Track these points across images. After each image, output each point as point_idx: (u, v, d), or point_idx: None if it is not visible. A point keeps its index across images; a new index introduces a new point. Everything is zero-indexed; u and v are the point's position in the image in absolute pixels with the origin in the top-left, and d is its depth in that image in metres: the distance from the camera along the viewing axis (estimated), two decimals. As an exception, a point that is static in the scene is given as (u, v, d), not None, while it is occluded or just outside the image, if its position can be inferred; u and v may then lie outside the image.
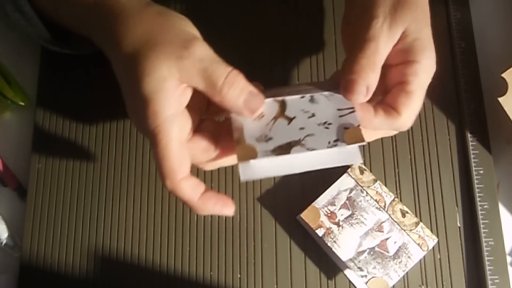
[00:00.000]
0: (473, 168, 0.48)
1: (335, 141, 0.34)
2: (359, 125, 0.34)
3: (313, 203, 0.46)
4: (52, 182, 0.49)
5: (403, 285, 0.46)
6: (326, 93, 0.36)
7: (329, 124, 0.35)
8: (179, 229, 0.48)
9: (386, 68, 0.38)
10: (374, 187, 0.47)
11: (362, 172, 0.47)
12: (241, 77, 0.34)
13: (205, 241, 0.47)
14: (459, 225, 0.47)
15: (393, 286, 0.45)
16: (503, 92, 0.48)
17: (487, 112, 0.50)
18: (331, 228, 0.45)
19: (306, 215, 0.46)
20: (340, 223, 0.46)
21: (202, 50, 0.34)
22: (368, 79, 0.36)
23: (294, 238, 0.47)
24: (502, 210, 0.48)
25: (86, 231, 0.48)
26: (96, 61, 0.52)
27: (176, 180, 0.34)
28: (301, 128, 0.34)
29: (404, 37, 0.36)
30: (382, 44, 0.36)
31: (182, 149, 0.34)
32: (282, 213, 0.48)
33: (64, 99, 0.51)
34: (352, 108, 0.35)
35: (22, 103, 0.51)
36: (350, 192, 0.47)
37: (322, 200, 0.46)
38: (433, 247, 0.46)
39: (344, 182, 0.47)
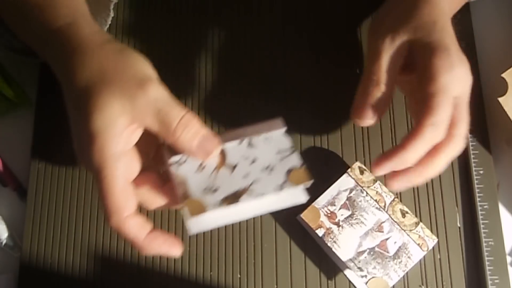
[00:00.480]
0: (473, 168, 0.48)
1: (282, 184, 0.34)
2: (302, 165, 0.35)
3: (313, 203, 0.46)
4: (52, 182, 0.49)
5: (403, 285, 0.46)
6: (262, 136, 0.36)
7: (272, 168, 0.35)
8: (179, 229, 0.48)
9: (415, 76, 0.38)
10: (374, 187, 0.47)
11: (362, 172, 0.47)
12: (196, 120, 0.34)
13: (205, 241, 0.47)
14: (459, 225, 0.47)
15: (393, 286, 0.45)
16: (503, 92, 0.48)
17: (487, 112, 0.50)
18: (331, 228, 0.45)
19: (306, 215, 0.46)
20: (340, 223, 0.46)
21: (157, 91, 0.33)
22: (374, 100, 0.36)
23: (294, 238, 0.47)
24: (502, 210, 0.48)
25: (86, 231, 0.48)
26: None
27: (121, 217, 0.33)
28: (245, 176, 0.34)
29: (416, 46, 0.36)
30: (384, 59, 0.36)
31: (128, 187, 0.33)
32: (282, 213, 0.48)
33: (64, 99, 0.51)
34: (292, 148, 0.36)
35: (22, 103, 0.51)
36: (350, 192, 0.47)
37: (322, 200, 0.46)
38: (433, 247, 0.46)
39: (344, 182, 0.47)
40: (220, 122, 0.50)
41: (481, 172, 0.48)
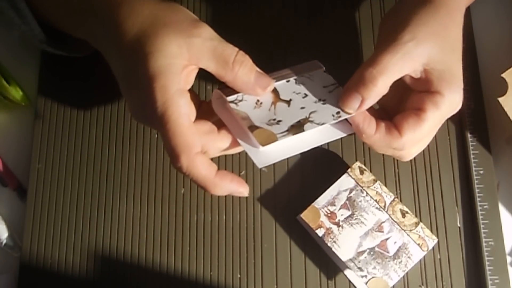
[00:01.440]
0: (473, 168, 0.48)
1: (337, 113, 0.36)
2: None
3: (313, 203, 0.46)
4: (52, 182, 0.49)
5: (403, 285, 0.46)
6: (306, 74, 0.38)
7: (324, 100, 0.37)
8: (179, 229, 0.48)
9: (408, 92, 0.37)
10: (374, 187, 0.47)
11: (362, 172, 0.47)
12: (248, 57, 0.35)
13: (205, 241, 0.47)
14: (459, 225, 0.47)
15: (393, 286, 0.45)
16: (503, 92, 0.48)
17: (487, 112, 0.50)
18: (331, 228, 0.45)
19: (306, 215, 0.46)
20: (340, 223, 0.46)
21: (210, 31, 0.34)
22: (366, 93, 0.35)
23: (294, 238, 0.47)
24: (502, 210, 0.48)
25: (86, 231, 0.48)
26: (96, 61, 0.52)
27: (191, 155, 0.32)
28: (302, 108, 0.36)
29: (428, 66, 0.35)
30: (394, 62, 0.35)
31: (193, 125, 0.33)
32: (282, 213, 0.48)
33: (64, 99, 0.51)
34: (335, 83, 0.38)
35: (22, 103, 0.51)
36: (350, 192, 0.47)
37: (322, 200, 0.46)
38: (433, 247, 0.46)
39: (344, 182, 0.47)
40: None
41: (481, 172, 0.48)
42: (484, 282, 0.45)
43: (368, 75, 0.35)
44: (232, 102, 0.35)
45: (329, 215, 0.46)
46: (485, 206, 0.47)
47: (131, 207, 0.48)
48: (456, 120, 0.50)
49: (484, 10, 0.54)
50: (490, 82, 0.51)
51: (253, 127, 0.34)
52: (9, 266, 0.48)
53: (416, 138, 0.36)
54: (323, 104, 0.36)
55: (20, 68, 0.53)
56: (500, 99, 0.47)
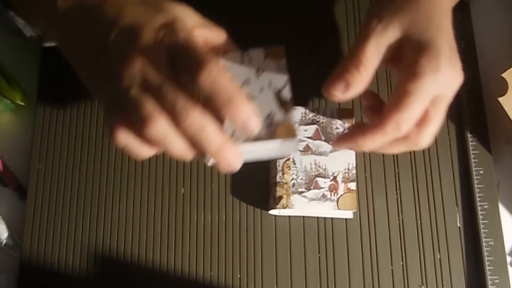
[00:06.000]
0: (473, 168, 0.48)
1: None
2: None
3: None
4: (52, 182, 0.49)
5: (403, 285, 0.46)
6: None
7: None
8: (179, 229, 0.48)
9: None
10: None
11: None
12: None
13: (205, 241, 0.47)
14: (459, 225, 0.47)
15: (393, 284, 0.45)
16: (503, 92, 0.48)
17: (487, 112, 0.50)
18: None
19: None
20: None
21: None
22: (350, 77, 0.35)
23: (294, 238, 0.47)
24: (502, 210, 0.48)
25: (86, 231, 0.48)
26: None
27: (219, 62, 0.31)
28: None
29: (403, 41, 0.35)
30: (372, 44, 0.35)
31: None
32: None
33: (64, 99, 0.51)
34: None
35: (22, 103, 0.51)
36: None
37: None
38: (433, 247, 0.46)
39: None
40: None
41: (481, 172, 0.48)
42: (484, 282, 0.45)
43: (350, 65, 0.35)
44: None
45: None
46: (485, 206, 0.47)
47: (131, 207, 0.48)
48: (456, 120, 0.50)
49: (484, 10, 0.54)
50: (490, 82, 0.51)
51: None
52: (9, 266, 0.48)
53: (407, 117, 0.34)
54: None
55: (20, 68, 0.53)
56: (500, 99, 0.47)
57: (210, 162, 0.33)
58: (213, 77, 0.30)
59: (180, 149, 0.32)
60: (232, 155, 0.32)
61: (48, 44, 0.48)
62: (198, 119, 0.30)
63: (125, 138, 0.32)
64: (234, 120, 0.31)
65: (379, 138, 0.35)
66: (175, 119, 0.30)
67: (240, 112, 0.30)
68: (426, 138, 0.35)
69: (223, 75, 0.30)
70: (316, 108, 0.48)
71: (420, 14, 0.36)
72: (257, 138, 0.32)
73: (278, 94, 0.35)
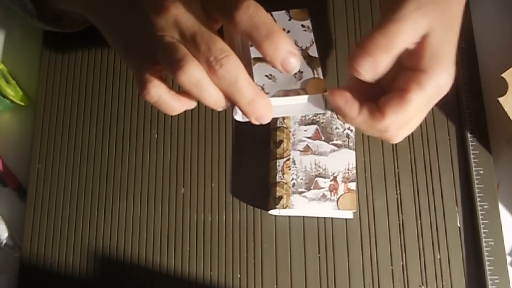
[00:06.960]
0: (473, 168, 0.48)
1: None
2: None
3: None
4: (52, 182, 0.49)
5: (403, 285, 0.46)
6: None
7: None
8: (179, 229, 0.48)
9: (400, 69, 0.35)
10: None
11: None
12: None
13: (205, 241, 0.47)
14: (459, 225, 0.47)
15: (393, 284, 0.45)
16: (503, 92, 0.48)
17: (487, 112, 0.50)
18: None
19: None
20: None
21: None
22: (379, 58, 0.32)
23: (294, 238, 0.47)
24: (502, 210, 0.48)
25: (86, 231, 0.48)
26: (97, 61, 0.52)
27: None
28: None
29: (426, 38, 0.33)
30: (406, 29, 0.33)
31: None
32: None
33: (64, 99, 0.51)
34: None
35: (22, 103, 0.51)
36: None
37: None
38: (433, 247, 0.46)
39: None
40: (222, 122, 0.50)
41: (481, 172, 0.48)
42: (484, 282, 0.45)
43: (383, 41, 0.33)
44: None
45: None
46: (485, 206, 0.47)
47: (131, 207, 0.48)
48: (456, 120, 0.50)
49: (484, 10, 0.54)
50: (490, 82, 0.51)
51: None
52: (9, 266, 0.48)
53: (400, 121, 0.34)
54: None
55: (20, 68, 0.53)
56: (500, 99, 0.47)
57: (238, 115, 0.33)
58: (251, 12, 0.30)
59: (214, 97, 0.31)
60: (263, 107, 0.31)
61: (49, 28, 0.48)
62: (233, 69, 0.30)
63: (157, 92, 0.32)
64: (274, 55, 0.30)
65: (368, 124, 0.35)
66: (210, 67, 0.30)
67: (280, 46, 0.29)
68: (402, 136, 0.36)
69: (261, 11, 0.30)
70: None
71: (447, 19, 0.34)
72: (286, 94, 0.33)
73: (305, 52, 0.35)
